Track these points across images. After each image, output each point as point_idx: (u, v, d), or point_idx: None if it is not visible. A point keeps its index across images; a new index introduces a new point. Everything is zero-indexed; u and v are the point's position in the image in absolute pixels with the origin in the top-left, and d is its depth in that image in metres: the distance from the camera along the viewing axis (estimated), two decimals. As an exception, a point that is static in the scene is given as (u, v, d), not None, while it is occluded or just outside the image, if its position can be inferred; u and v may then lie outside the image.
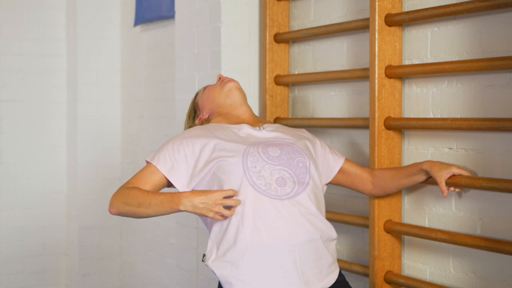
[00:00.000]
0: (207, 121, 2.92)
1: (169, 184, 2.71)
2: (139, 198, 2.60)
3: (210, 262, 2.61)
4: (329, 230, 2.67)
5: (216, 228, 2.63)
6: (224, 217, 2.57)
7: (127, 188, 2.65)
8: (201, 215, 2.56)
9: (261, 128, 2.79)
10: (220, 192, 2.53)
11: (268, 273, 2.56)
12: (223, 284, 2.60)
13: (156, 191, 2.67)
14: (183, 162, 2.66)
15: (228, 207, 2.56)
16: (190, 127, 2.98)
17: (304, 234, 2.58)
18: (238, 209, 2.57)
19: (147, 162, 2.71)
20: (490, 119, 2.66)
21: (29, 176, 5.38)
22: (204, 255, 2.65)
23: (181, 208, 2.54)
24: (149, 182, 2.67)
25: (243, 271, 2.56)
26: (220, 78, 2.96)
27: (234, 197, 2.57)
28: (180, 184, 2.67)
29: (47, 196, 5.43)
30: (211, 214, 2.54)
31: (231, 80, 2.93)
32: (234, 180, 2.58)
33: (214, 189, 2.62)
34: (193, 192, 2.56)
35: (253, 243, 2.56)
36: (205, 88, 3.00)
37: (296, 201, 2.60)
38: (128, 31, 5.25)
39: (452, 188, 2.74)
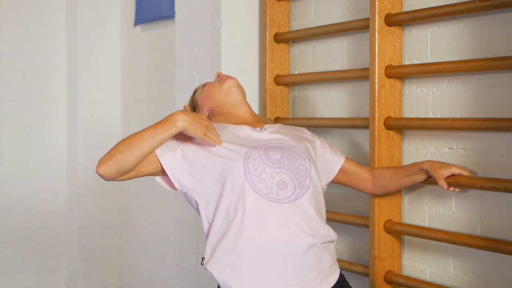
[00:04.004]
0: (207, 119, 2.91)
1: (163, 172, 2.65)
2: (126, 139, 2.54)
3: (209, 265, 2.59)
4: (329, 233, 2.66)
5: (214, 230, 2.60)
6: (213, 141, 2.59)
7: None
8: (193, 133, 2.55)
9: (262, 129, 2.77)
10: (205, 116, 2.64)
11: (267, 277, 2.55)
12: (222, 287, 2.59)
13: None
14: (179, 151, 2.62)
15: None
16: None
17: (304, 238, 2.57)
18: (239, 212, 2.56)
19: None
20: (490, 119, 2.66)
21: (29, 176, 5.38)
22: (203, 258, 2.64)
23: (179, 123, 2.53)
24: (144, 161, 2.60)
25: (242, 274, 2.55)
26: (218, 75, 2.94)
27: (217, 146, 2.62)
28: (169, 167, 2.61)
29: (47, 196, 5.43)
30: (201, 132, 2.56)
31: (229, 77, 2.91)
32: (235, 182, 2.57)
33: (217, 192, 2.61)
34: (185, 111, 2.60)
35: (253, 246, 2.55)
36: (204, 85, 2.98)
37: (297, 204, 2.59)
38: (128, 31, 5.25)
39: (452, 188, 2.74)
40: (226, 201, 2.58)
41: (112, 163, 2.53)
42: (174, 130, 2.54)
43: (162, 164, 2.61)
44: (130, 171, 2.57)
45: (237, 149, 2.62)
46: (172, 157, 2.61)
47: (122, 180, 2.62)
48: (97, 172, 2.54)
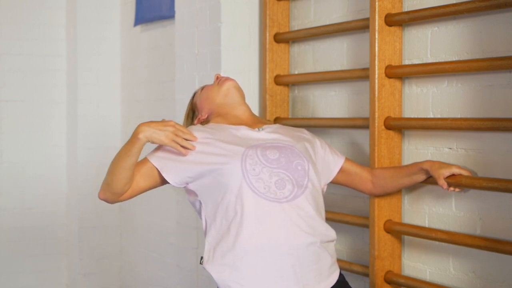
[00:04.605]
0: (206, 121, 2.91)
1: (163, 182, 2.68)
2: (111, 163, 2.60)
3: (208, 265, 2.59)
4: (329, 232, 2.66)
5: (214, 230, 2.61)
6: (183, 149, 2.59)
7: None
8: (159, 142, 2.56)
9: (260, 129, 2.77)
10: (174, 122, 2.60)
11: (266, 276, 2.55)
12: (221, 287, 2.59)
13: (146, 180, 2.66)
14: (176, 158, 2.63)
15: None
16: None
17: (303, 237, 2.57)
18: (238, 212, 2.56)
19: None
20: (490, 119, 2.66)
21: (29, 176, 5.38)
22: (201, 258, 2.64)
23: (141, 136, 2.54)
24: (139, 172, 2.64)
25: (242, 274, 2.55)
26: (217, 77, 2.94)
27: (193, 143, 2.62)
28: (172, 179, 2.63)
29: (47, 196, 5.43)
30: (167, 141, 2.56)
31: (228, 79, 2.91)
32: (233, 182, 2.57)
33: (216, 193, 2.61)
34: (150, 121, 2.60)
35: (252, 246, 2.54)
36: (202, 88, 2.98)
37: (295, 204, 2.59)
38: (128, 31, 5.25)
39: (452, 188, 2.74)
40: (225, 201, 2.58)
41: (105, 187, 2.63)
42: (139, 144, 2.56)
43: (165, 178, 2.64)
44: (124, 190, 2.62)
45: (235, 149, 2.63)
46: (171, 167, 2.63)
47: (125, 200, 2.68)
48: (99, 198, 2.65)
